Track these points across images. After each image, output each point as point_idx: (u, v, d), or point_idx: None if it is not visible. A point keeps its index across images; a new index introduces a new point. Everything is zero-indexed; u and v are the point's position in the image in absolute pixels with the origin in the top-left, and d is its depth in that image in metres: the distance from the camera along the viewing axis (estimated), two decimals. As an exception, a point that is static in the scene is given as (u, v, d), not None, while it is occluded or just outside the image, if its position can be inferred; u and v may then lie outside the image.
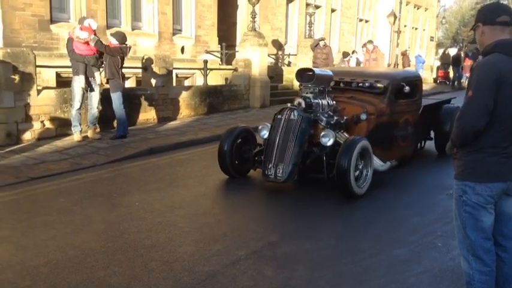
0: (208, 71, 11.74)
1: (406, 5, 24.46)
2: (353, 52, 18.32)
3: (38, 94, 7.68)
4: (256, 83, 12.58)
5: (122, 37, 8.14)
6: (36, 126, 7.66)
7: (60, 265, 3.55)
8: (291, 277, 3.49)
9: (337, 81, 6.52)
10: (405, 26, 24.93)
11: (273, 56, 15.84)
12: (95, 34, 7.66)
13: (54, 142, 7.56)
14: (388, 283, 3.46)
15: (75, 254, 3.75)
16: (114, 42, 8.04)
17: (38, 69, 7.98)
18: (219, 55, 13.74)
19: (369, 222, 4.72)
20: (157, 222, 4.48)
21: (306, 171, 5.58)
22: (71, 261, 3.62)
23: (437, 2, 30.56)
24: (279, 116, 5.66)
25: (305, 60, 15.15)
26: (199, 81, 12.58)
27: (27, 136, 7.52)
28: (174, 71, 10.96)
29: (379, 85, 6.28)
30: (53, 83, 9.31)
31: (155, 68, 9.80)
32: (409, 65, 21.57)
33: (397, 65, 21.60)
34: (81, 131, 7.77)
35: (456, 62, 23.05)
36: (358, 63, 17.19)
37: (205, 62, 11.72)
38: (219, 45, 13.81)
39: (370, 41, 17.48)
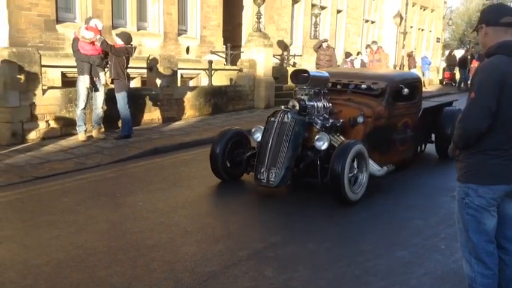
0: (213, 72, 11.75)
1: (412, 6, 24.36)
2: (358, 53, 18.27)
3: (43, 94, 7.72)
4: (261, 83, 12.58)
5: (127, 37, 8.17)
6: (41, 125, 7.70)
7: (62, 264, 3.57)
8: (292, 278, 3.49)
9: (334, 83, 6.40)
10: (411, 27, 24.84)
11: (278, 57, 15.83)
12: (100, 34, 7.69)
13: (59, 142, 7.60)
14: (389, 285, 3.45)
15: (78, 253, 3.77)
16: (119, 42, 8.07)
17: (43, 69, 8.02)
18: (224, 55, 13.74)
19: (371, 224, 4.71)
20: (160, 222, 4.49)
21: (300, 175, 5.45)
22: (73, 260, 3.64)
23: (444, 3, 30.43)
24: (272, 119, 5.52)
25: (310, 61, 15.17)
26: (204, 81, 12.60)
27: (32, 135, 7.56)
28: (179, 71, 10.98)
29: (376, 87, 6.13)
30: (59, 83, 9.34)
31: (160, 68, 9.82)
32: (415, 66, 21.48)
33: (403, 66, 21.53)
34: (85, 130, 7.80)
35: (463, 63, 22.94)
36: (363, 64, 17.14)
37: (210, 62, 11.73)
38: (224, 46, 13.82)
39: (374, 42, 17.45)
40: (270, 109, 12.27)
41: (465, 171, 2.64)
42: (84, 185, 5.72)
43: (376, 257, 3.89)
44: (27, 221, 4.46)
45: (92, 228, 4.33)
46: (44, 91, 7.75)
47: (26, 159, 6.54)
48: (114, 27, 10.75)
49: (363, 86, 6.25)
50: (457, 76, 24.48)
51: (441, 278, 3.61)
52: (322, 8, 18.74)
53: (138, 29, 11.59)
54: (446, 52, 28.85)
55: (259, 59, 12.58)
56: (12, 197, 5.17)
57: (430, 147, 7.72)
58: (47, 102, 7.77)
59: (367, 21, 22.89)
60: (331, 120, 5.61)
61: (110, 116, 8.41)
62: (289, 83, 14.79)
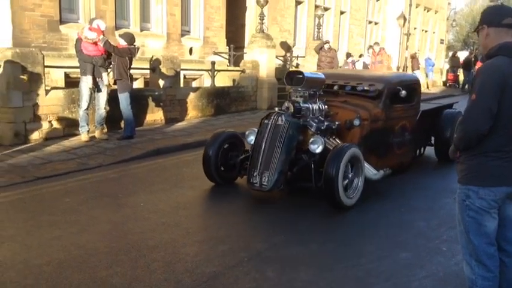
0: (216, 73, 11.76)
1: (416, 7, 24.32)
2: (360, 56, 18.25)
3: (46, 94, 7.74)
4: (263, 84, 12.58)
5: (130, 38, 8.19)
6: (44, 126, 7.72)
7: (63, 264, 3.57)
8: (294, 279, 3.48)
9: (330, 85, 6.27)
10: (415, 28, 24.79)
11: (281, 58, 15.82)
12: (103, 35, 7.70)
13: (61, 142, 7.62)
14: (391, 287, 3.44)
15: (79, 253, 3.77)
16: (122, 43, 8.08)
17: (46, 69, 8.05)
18: (227, 56, 13.75)
19: (373, 226, 4.69)
20: (161, 223, 4.49)
21: (295, 179, 5.35)
22: (74, 260, 3.64)
23: (448, 5, 30.36)
24: (266, 121, 5.39)
25: (313, 62, 15.16)
26: (207, 82, 12.60)
27: (35, 136, 7.57)
28: (182, 72, 10.99)
29: (373, 89, 6.00)
30: (62, 84, 9.36)
31: (163, 69, 9.84)
32: (418, 68, 21.45)
33: (406, 67, 21.49)
34: (88, 131, 7.82)
35: (467, 65, 22.86)
36: (365, 66, 17.12)
37: (213, 63, 11.74)
38: (227, 47, 13.82)
39: (377, 43, 17.41)
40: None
41: (466, 173, 2.63)
42: (86, 185, 5.73)
43: (378, 259, 3.89)
44: (28, 221, 4.47)
45: (94, 228, 4.33)
46: (47, 91, 7.78)
47: (28, 160, 6.55)
48: (117, 27, 10.76)
49: (360, 88, 6.13)
50: (461, 78, 24.41)
51: (443, 280, 3.60)
52: (326, 9, 18.74)
53: (141, 30, 11.60)
54: (450, 54, 28.77)
55: (262, 60, 12.58)
56: (14, 197, 5.18)
57: (430, 150, 7.60)
58: (50, 103, 7.79)
59: (370, 22, 22.87)
60: (326, 123, 5.49)
61: (113, 117, 8.43)
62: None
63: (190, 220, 4.65)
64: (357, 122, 5.52)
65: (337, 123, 5.62)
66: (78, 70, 7.89)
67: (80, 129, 7.80)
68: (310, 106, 5.50)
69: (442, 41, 29.63)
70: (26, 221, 4.47)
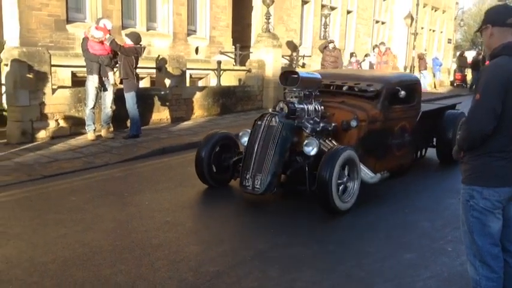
0: (221, 72, 11.77)
1: (424, 6, 24.21)
2: (365, 55, 18.19)
3: (53, 93, 7.79)
4: (269, 84, 12.57)
5: (136, 37, 8.22)
6: (51, 124, 7.77)
7: (68, 262, 3.59)
8: (297, 279, 3.48)
9: (327, 85, 6.11)
10: (422, 28, 24.68)
11: (287, 57, 15.82)
12: (109, 34, 7.74)
13: (68, 141, 7.66)
14: (395, 287, 3.43)
15: (84, 251, 3.79)
16: (129, 42, 8.12)
17: (53, 68, 8.10)
18: (233, 56, 13.76)
19: (377, 226, 4.68)
20: (166, 222, 4.51)
21: (289, 182, 5.25)
22: (79, 258, 3.67)
23: (456, 4, 30.19)
24: (259, 122, 5.23)
25: (319, 62, 15.11)
26: (213, 81, 12.62)
27: (42, 134, 7.62)
28: (188, 72, 11.02)
29: (371, 89, 5.82)
30: (69, 83, 9.42)
31: (169, 68, 9.86)
32: (425, 68, 21.37)
33: (413, 67, 21.42)
34: (94, 130, 7.86)
35: (475, 65, 22.72)
36: (371, 66, 17.06)
37: (219, 62, 11.75)
38: (233, 46, 13.84)
39: (383, 43, 17.36)
40: (278, 110, 12.27)
41: (470, 173, 2.62)
42: (92, 183, 5.76)
43: (381, 259, 3.88)
44: (34, 219, 4.50)
45: (99, 226, 4.36)
46: (53, 90, 7.83)
47: (35, 158, 6.60)
48: (123, 27, 10.81)
49: (357, 88, 5.95)
50: (468, 77, 24.27)
51: (447, 280, 3.58)
52: (332, 8, 18.71)
53: (148, 29, 11.65)
54: (458, 53, 28.62)
55: (268, 59, 12.58)
56: (21, 195, 5.22)
57: (432, 152, 7.40)
58: (57, 102, 7.84)
59: (377, 22, 22.80)
60: (321, 124, 5.32)
61: (119, 116, 8.46)
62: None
63: (194, 219, 4.67)
64: (354, 123, 5.38)
65: (333, 124, 5.45)
66: (85, 69, 7.93)
67: (86, 128, 7.85)
68: (306, 107, 5.35)
69: (449, 41, 29.48)
70: (32, 219, 4.51)
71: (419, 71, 21.33)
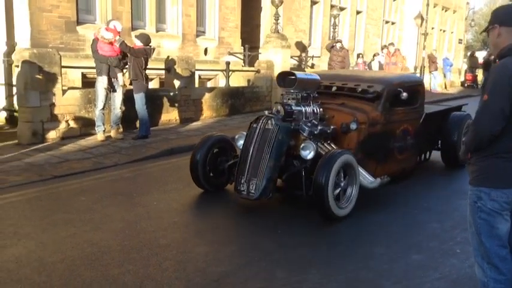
0: (230, 73, 11.79)
1: (434, 7, 24.04)
2: (374, 55, 18.11)
3: (63, 94, 7.86)
4: (278, 84, 12.55)
5: (146, 39, 8.27)
6: (61, 125, 7.84)
7: (76, 262, 3.62)
8: (304, 280, 3.47)
9: (327, 86, 5.95)
10: (432, 28, 24.52)
11: (296, 58, 15.81)
12: (119, 36, 7.80)
13: (78, 141, 7.73)
14: (402, 289, 3.42)
15: (92, 251, 3.82)
16: (138, 43, 8.17)
17: (64, 69, 8.18)
18: (241, 57, 13.79)
19: (385, 227, 4.66)
20: (174, 222, 4.53)
21: (287, 187, 5.12)
22: (87, 258, 3.70)
23: (467, 4, 29.95)
24: (254, 125, 5.07)
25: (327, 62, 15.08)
26: (221, 82, 12.65)
27: (52, 135, 7.70)
28: (197, 73, 11.06)
29: (372, 90, 5.64)
30: (79, 84, 9.50)
31: (178, 70, 9.90)
32: (436, 69, 21.23)
33: (424, 68, 21.29)
34: (104, 130, 7.92)
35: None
36: (380, 66, 16.97)
37: (228, 63, 11.77)
38: (242, 47, 13.86)
39: (392, 44, 17.27)
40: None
41: (477, 175, 2.60)
42: (101, 184, 5.80)
43: (390, 261, 3.86)
44: (44, 219, 4.55)
45: (107, 226, 4.39)
46: (63, 91, 7.90)
47: (45, 158, 6.66)
48: (133, 28, 10.89)
49: (358, 90, 5.77)
50: (479, 78, 24.05)
51: (456, 282, 3.56)
52: (342, 8, 18.65)
53: (157, 31, 11.71)
54: (468, 54, 28.38)
55: (276, 60, 12.58)
56: (31, 195, 5.28)
57: (437, 155, 7.21)
58: (67, 103, 7.91)
59: (387, 22, 22.69)
60: (319, 127, 5.12)
61: (128, 117, 8.51)
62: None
63: (201, 220, 4.68)
64: (353, 126, 5.21)
65: (332, 127, 5.28)
66: (95, 70, 8.00)
67: (96, 128, 7.91)
68: (303, 109, 5.20)
69: (460, 41, 29.26)
70: (42, 219, 4.55)
71: (430, 71, 21.20)
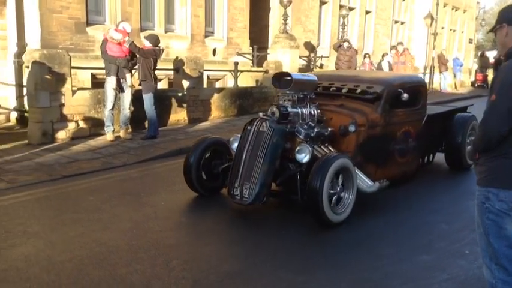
0: (239, 73, 11.81)
1: (444, 6, 23.89)
2: (383, 55, 18.02)
3: (73, 95, 7.92)
4: (287, 85, 12.54)
5: (155, 39, 8.31)
6: (71, 125, 7.90)
7: (84, 261, 3.65)
8: (309, 281, 3.47)
9: (325, 87, 5.78)
10: (442, 28, 24.35)
11: (305, 58, 15.78)
12: (128, 37, 7.85)
13: (87, 141, 7.79)
14: (410, 290, 3.40)
15: (100, 250, 3.85)
16: (147, 44, 8.22)
17: (73, 70, 8.25)
18: (250, 57, 13.79)
19: (392, 228, 4.63)
20: (181, 222, 4.55)
21: (283, 191, 5.02)
22: (96, 257, 3.72)
23: (477, 4, 29.71)
24: (248, 127, 4.91)
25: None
26: (230, 83, 12.67)
27: (62, 135, 7.76)
28: (206, 73, 11.08)
29: (372, 91, 5.46)
30: (88, 84, 9.58)
31: (187, 70, 9.94)
32: (446, 69, 21.10)
33: (434, 68, 21.15)
34: (113, 131, 7.96)
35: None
36: (390, 66, 16.89)
37: (236, 64, 11.79)
38: (251, 48, 13.87)
39: (401, 43, 17.17)
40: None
41: (485, 175, 2.58)
42: (110, 184, 5.83)
43: (397, 262, 3.84)
44: (53, 218, 4.59)
45: (115, 226, 4.42)
46: (73, 92, 7.96)
47: (55, 158, 6.72)
48: (142, 29, 10.94)
49: (358, 90, 5.58)
50: (490, 78, 23.84)
51: (464, 283, 3.53)
52: (351, 9, 18.60)
53: (166, 31, 11.76)
54: (479, 53, 28.15)
55: (285, 60, 12.58)
56: (41, 195, 5.32)
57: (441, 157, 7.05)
58: (76, 103, 7.97)
59: (396, 22, 22.58)
60: (316, 129, 4.95)
61: (137, 117, 8.56)
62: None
63: (208, 220, 4.69)
64: (352, 128, 5.01)
65: (329, 129, 5.11)
66: (104, 71, 8.05)
67: (105, 129, 7.96)
68: (299, 111, 5.02)
69: (470, 41, 29.02)
70: (51, 218, 4.59)
71: (440, 71, 21.07)
